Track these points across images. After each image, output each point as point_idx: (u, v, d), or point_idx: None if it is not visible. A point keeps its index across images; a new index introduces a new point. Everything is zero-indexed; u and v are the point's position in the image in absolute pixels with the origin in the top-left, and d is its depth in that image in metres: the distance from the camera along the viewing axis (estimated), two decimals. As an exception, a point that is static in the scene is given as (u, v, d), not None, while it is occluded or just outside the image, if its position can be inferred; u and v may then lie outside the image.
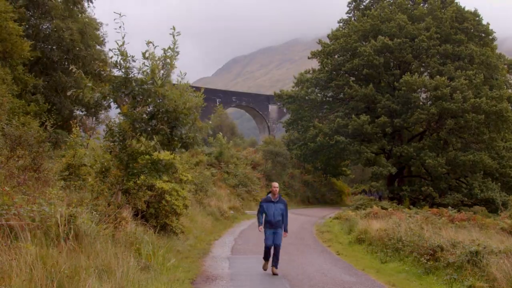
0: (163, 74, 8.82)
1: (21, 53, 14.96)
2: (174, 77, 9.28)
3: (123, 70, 8.72)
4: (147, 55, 8.69)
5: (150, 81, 8.56)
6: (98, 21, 22.87)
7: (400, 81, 29.46)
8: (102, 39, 22.68)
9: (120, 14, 8.46)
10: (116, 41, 8.59)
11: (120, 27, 8.48)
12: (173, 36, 8.83)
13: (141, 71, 8.79)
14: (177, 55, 8.96)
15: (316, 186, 36.98)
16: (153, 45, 8.73)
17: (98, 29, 22.71)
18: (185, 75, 9.21)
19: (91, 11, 23.46)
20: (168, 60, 8.85)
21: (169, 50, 8.86)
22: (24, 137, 10.34)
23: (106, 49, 23.04)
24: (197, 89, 9.59)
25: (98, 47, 22.00)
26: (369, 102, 31.33)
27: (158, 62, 8.74)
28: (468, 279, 8.41)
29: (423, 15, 32.01)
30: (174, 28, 8.90)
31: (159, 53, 8.95)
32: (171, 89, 8.72)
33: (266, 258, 9.44)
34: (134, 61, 8.77)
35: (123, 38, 8.59)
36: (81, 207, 7.03)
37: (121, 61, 8.68)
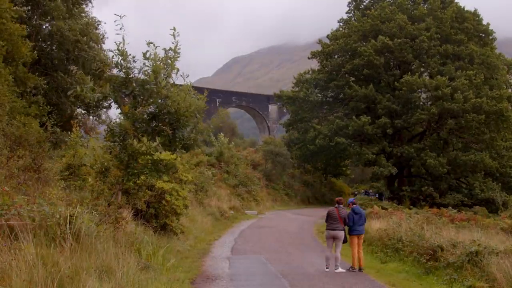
0: (164, 75, 8.84)
1: (22, 54, 14.94)
2: (175, 77, 9.31)
3: (123, 71, 8.74)
4: (148, 55, 8.71)
5: (153, 82, 8.58)
6: (97, 19, 22.85)
7: (400, 81, 29.42)
8: (102, 37, 22.66)
9: (120, 16, 8.49)
10: (115, 42, 8.62)
11: (120, 28, 8.50)
12: (174, 37, 8.84)
13: (142, 71, 8.82)
14: (178, 56, 8.98)
15: (316, 186, 36.97)
16: (154, 46, 8.75)
17: (97, 28, 22.68)
18: (187, 77, 9.23)
19: (90, 10, 23.41)
20: (169, 61, 8.86)
21: (170, 51, 8.88)
22: (25, 137, 10.35)
23: (106, 47, 23.04)
24: (199, 89, 9.63)
25: (97, 46, 21.97)
26: (369, 102, 31.29)
27: (159, 62, 8.77)
28: (468, 279, 8.41)
29: (424, 15, 31.97)
30: (174, 29, 8.91)
31: (159, 53, 8.97)
32: (175, 90, 8.75)
33: None
34: (134, 61, 8.80)
35: (123, 39, 8.62)
36: (81, 207, 7.03)
37: (122, 61, 8.70)
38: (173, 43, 8.87)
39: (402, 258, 11.06)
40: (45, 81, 18.13)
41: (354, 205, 10.53)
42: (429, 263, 9.84)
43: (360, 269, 10.05)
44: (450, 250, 9.76)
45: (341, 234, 9.96)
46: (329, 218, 10.17)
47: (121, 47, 8.64)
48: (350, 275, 9.54)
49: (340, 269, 9.75)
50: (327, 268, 9.91)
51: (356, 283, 8.75)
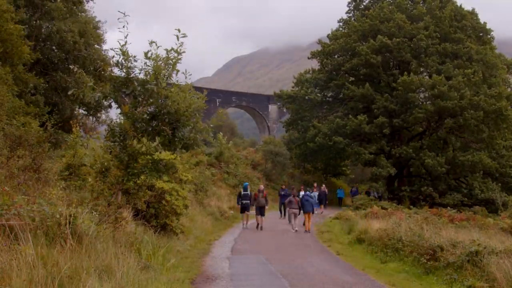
0: (164, 75, 8.82)
1: (21, 54, 14.94)
2: (176, 77, 9.29)
3: (124, 70, 8.72)
4: (149, 55, 8.69)
5: (154, 82, 8.56)
6: (97, 19, 22.88)
7: (397, 81, 29.42)
8: (102, 37, 22.67)
9: (124, 14, 8.47)
10: (118, 41, 8.59)
11: (123, 26, 8.48)
12: (177, 38, 8.79)
13: (142, 71, 8.80)
14: (181, 58, 8.95)
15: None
16: (156, 45, 8.73)
17: (98, 28, 22.69)
18: (190, 75, 9.20)
19: (91, 9, 23.48)
20: (171, 62, 8.84)
21: (172, 51, 8.85)
22: (25, 137, 10.34)
23: (106, 47, 23.09)
24: (199, 89, 9.62)
25: (97, 46, 21.98)
26: (368, 102, 31.29)
27: (160, 63, 8.74)
28: (468, 279, 8.41)
29: (422, 14, 31.99)
30: (179, 30, 8.86)
31: (161, 52, 8.94)
32: (175, 90, 8.73)
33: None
34: (135, 61, 8.78)
35: (125, 37, 8.59)
36: (81, 207, 7.03)
37: (123, 61, 8.68)
38: (176, 44, 8.84)
39: (402, 258, 11.05)
40: (45, 81, 18.14)
41: (306, 195, 18.75)
42: (429, 263, 9.83)
43: (308, 231, 16.86)
44: (450, 250, 9.76)
45: (296, 211, 17.14)
46: (290, 203, 17.48)
47: (123, 48, 8.62)
48: (349, 275, 9.56)
49: (296, 228, 16.83)
50: (294, 229, 16.83)
51: (356, 283, 8.75)
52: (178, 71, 9.04)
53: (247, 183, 18.72)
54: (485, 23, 34.22)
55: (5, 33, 14.11)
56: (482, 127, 28.61)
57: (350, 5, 38.61)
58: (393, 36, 30.46)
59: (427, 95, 30.77)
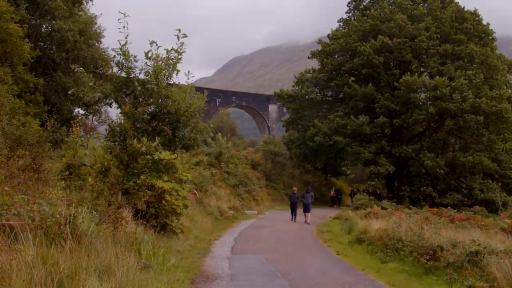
0: (165, 75, 8.82)
1: (21, 54, 14.93)
2: (176, 78, 9.29)
3: (124, 70, 8.72)
4: (150, 55, 8.69)
5: (154, 82, 8.57)
6: (97, 16, 22.88)
7: (399, 81, 29.41)
8: (101, 35, 22.66)
9: (124, 14, 8.47)
10: (118, 41, 8.60)
11: (124, 27, 8.48)
12: (178, 38, 8.79)
13: (143, 71, 8.80)
14: (181, 58, 8.94)
15: (316, 186, 36.95)
16: (156, 45, 8.74)
17: (95, 23, 22.69)
18: (192, 76, 9.20)
19: (90, 8, 23.58)
20: (171, 62, 8.84)
21: (173, 51, 8.85)
22: (25, 137, 10.34)
23: (104, 45, 23.13)
24: (199, 89, 9.62)
25: (97, 44, 21.98)
26: (369, 102, 31.29)
27: (161, 63, 8.74)
28: (468, 279, 8.41)
29: (423, 15, 31.96)
30: (179, 30, 8.86)
31: (161, 52, 8.94)
32: (175, 90, 8.74)
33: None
34: (136, 61, 8.78)
35: (126, 38, 8.59)
36: (81, 207, 7.03)
37: (123, 61, 8.68)
38: (176, 43, 8.84)
39: (402, 258, 11.05)
40: (45, 81, 18.15)
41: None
42: (429, 263, 9.83)
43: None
44: (450, 250, 9.75)
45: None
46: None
47: (124, 48, 8.62)
48: (349, 275, 9.55)
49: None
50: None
51: (356, 283, 8.75)
52: (178, 71, 9.05)
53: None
54: (488, 24, 34.11)
55: (4, 33, 14.11)
56: (482, 130, 28.63)
57: (350, 5, 38.61)
58: (394, 36, 30.46)
59: (428, 95, 30.76)
